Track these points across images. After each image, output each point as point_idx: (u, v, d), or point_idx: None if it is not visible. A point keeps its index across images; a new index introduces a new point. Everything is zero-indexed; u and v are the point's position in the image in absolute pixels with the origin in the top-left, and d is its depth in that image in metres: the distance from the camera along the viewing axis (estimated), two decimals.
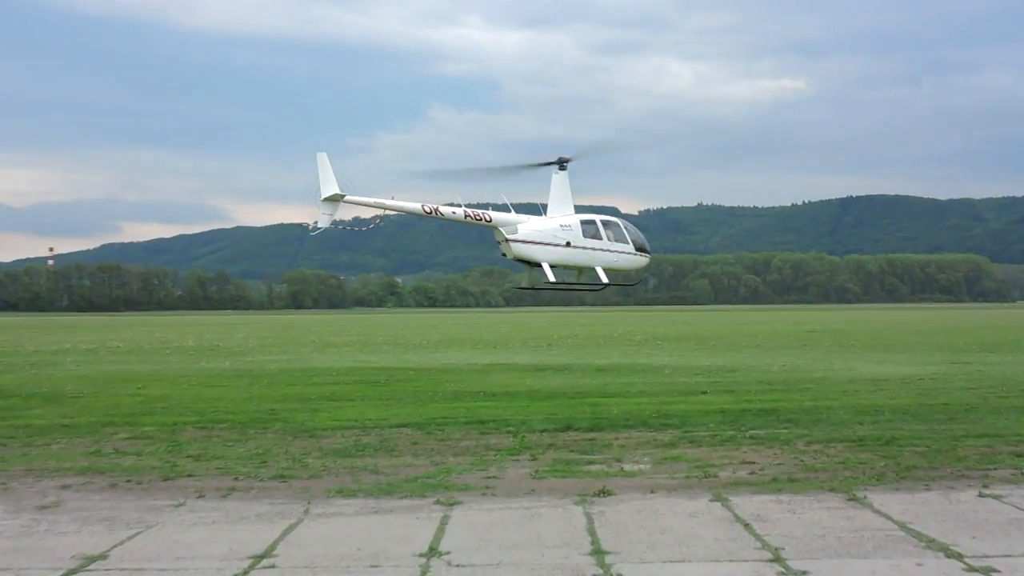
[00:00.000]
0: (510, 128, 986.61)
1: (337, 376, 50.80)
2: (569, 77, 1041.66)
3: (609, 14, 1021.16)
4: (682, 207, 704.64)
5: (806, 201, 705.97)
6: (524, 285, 39.60)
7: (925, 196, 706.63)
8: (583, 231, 33.80)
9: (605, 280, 33.96)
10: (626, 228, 34.88)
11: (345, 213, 31.73)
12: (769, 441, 27.79)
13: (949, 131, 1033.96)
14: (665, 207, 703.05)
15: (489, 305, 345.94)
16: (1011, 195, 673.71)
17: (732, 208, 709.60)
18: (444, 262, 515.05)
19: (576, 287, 34.92)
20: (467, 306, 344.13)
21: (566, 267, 34.19)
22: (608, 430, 29.95)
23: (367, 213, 34.31)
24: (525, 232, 33.06)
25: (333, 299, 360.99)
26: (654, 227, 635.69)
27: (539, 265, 33.22)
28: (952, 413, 33.08)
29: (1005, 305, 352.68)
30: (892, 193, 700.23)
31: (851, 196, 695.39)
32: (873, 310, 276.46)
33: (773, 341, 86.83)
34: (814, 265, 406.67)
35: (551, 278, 33.25)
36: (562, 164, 33.64)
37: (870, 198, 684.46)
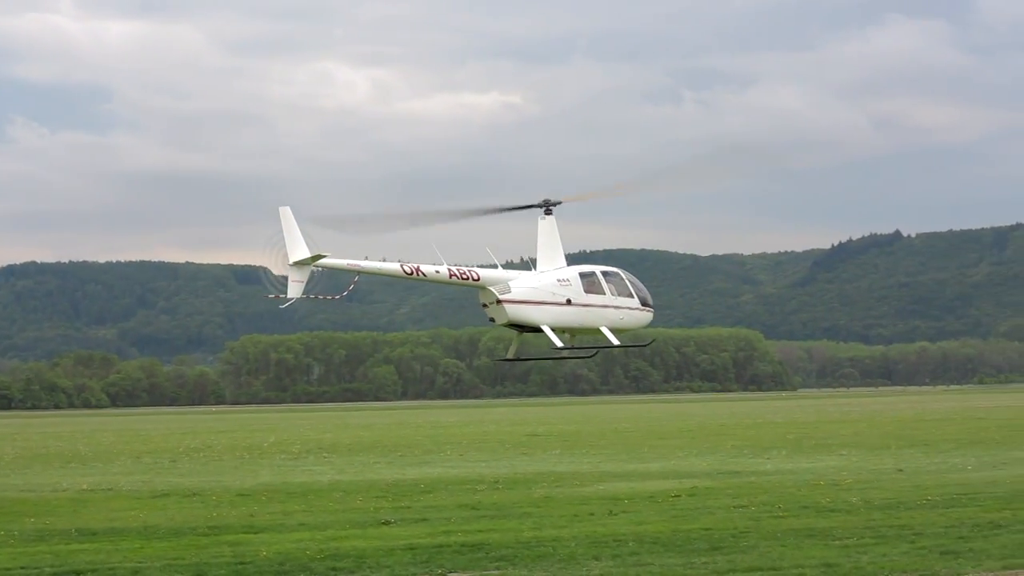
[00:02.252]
0: (127, 154, 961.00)
1: None
2: (206, 85, 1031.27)
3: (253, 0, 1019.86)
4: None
5: (525, 258, 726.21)
6: (508, 356, 42.17)
7: (683, 251, 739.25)
8: (584, 286, 36.75)
9: (616, 341, 37.24)
10: (629, 280, 38.09)
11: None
12: None
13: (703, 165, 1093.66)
14: None
15: (88, 405, 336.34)
16: (789, 249, 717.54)
17: None
18: (23, 344, 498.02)
19: (582, 353, 38.39)
20: (56, 407, 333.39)
21: (567, 330, 36.81)
22: None
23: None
24: (520, 291, 36.10)
25: None
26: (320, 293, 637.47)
27: (537, 329, 35.96)
28: (715, 541, 34.62)
29: (783, 394, 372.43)
30: (638, 247, 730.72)
31: (584, 251, 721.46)
32: (615, 403, 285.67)
33: (481, 448, 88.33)
34: (538, 345, 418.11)
35: (558, 343, 36.12)
36: (548, 207, 36.57)
37: (608, 253, 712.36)
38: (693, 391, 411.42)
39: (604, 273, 38.28)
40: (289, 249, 33.82)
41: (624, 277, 38.65)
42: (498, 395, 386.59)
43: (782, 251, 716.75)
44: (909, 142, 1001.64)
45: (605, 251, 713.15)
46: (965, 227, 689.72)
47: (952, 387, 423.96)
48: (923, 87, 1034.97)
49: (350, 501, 49.11)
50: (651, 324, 40.51)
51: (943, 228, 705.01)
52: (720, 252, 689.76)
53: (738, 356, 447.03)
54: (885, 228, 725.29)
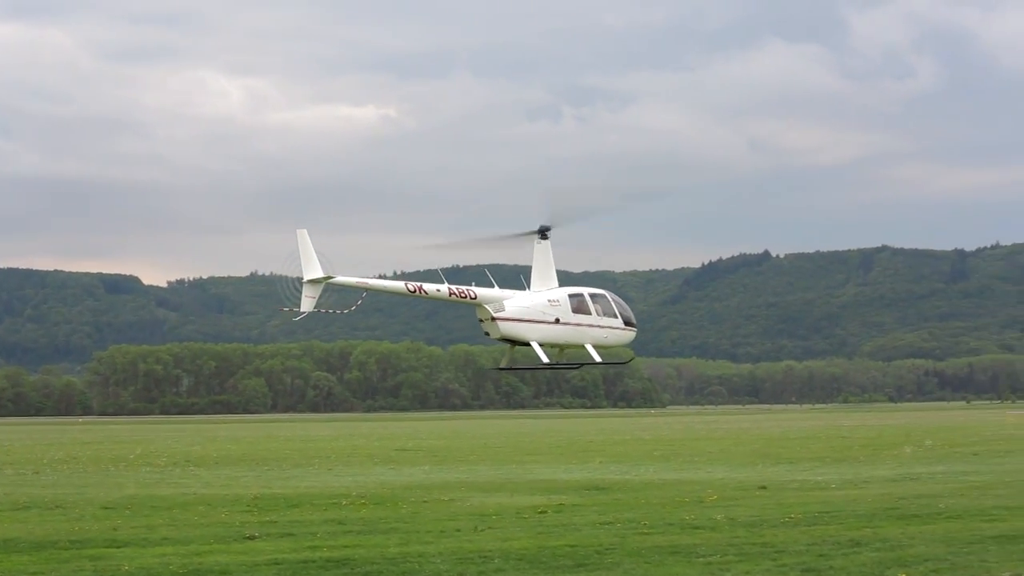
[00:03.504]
0: None
1: None
2: (81, 90, 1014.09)
3: (128, 5, 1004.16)
4: (230, 277, 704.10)
5: (399, 271, 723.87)
6: (503, 365, 45.36)
7: (555, 268, 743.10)
8: (571, 306, 40.70)
9: (598, 359, 40.84)
10: (614, 301, 41.62)
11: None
12: None
13: (592, 183, 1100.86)
14: (206, 276, 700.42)
15: None
16: (660, 267, 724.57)
17: (299, 280, 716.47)
18: None
19: (567, 366, 41.87)
20: None
21: (555, 345, 40.29)
22: None
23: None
24: (513, 310, 39.77)
25: None
26: (191, 303, 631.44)
27: (527, 344, 39.53)
28: (580, 558, 34.73)
29: (652, 411, 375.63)
30: (511, 263, 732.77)
31: (458, 266, 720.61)
32: (485, 418, 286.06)
33: (349, 463, 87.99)
34: (409, 359, 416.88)
35: (544, 359, 39.85)
36: (543, 233, 40.88)
37: (479, 269, 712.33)
38: (563, 407, 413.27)
39: (592, 295, 41.76)
40: (304, 268, 37.44)
41: (610, 298, 42.03)
42: (369, 409, 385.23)
43: (653, 269, 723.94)
44: (782, 164, 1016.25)
45: (477, 267, 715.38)
46: (833, 248, 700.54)
47: (818, 406, 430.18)
48: (798, 110, 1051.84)
49: (215, 515, 48.59)
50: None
51: (811, 249, 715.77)
52: (592, 269, 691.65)
53: (608, 372, 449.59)
54: (754, 248, 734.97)
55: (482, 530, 42.15)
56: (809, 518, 44.41)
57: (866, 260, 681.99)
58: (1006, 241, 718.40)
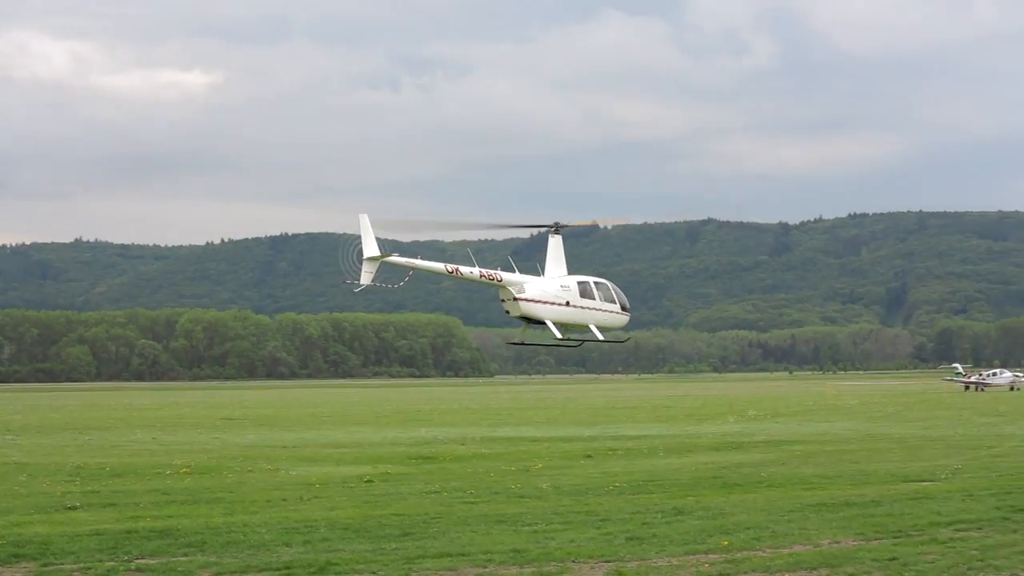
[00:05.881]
0: None
1: None
2: None
3: None
4: (53, 243, 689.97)
5: (227, 239, 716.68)
6: (516, 340, 51.08)
7: (386, 237, 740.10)
8: (579, 291, 46.36)
9: (600, 337, 47.05)
10: (613, 289, 47.68)
11: None
12: (164, 574, 27.75)
13: (431, 153, 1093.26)
14: (29, 243, 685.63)
15: None
16: (489, 238, 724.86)
17: (124, 247, 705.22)
18: None
19: (571, 343, 47.89)
20: None
21: (563, 324, 46.02)
22: None
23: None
24: (532, 292, 45.37)
25: None
26: (13, 269, 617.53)
27: (541, 322, 45.55)
28: (406, 527, 34.75)
29: (480, 380, 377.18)
30: (341, 231, 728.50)
31: (287, 234, 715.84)
32: (313, 387, 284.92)
33: (174, 432, 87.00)
34: (236, 327, 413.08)
35: (558, 335, 45.76)
36: (558, 228, 46.92)
37: (312, 237, 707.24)
38: (392, 376, 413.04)
39: (595, 283, 47.43)
40: (364, 247, 42.18)
41: (610, 287, 47.89)
42: (195, 378, 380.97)
43: (483, 239, 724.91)
44: (614, 136, 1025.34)
45: (307, 233, 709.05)
46: (660, 220, 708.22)
47: (644, 375, 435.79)
48: (634, 83, 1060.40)
49: (36, 485, 47.71)
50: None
51: (639, 221, 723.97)
52: (422, 239, 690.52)
53: (436, 342, 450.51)
54: (584, 219, 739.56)
55: (308, 500, 42.02)
56: (634, 486, 44.98)
57: (692, 233, 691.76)
58: (828, 215, 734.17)
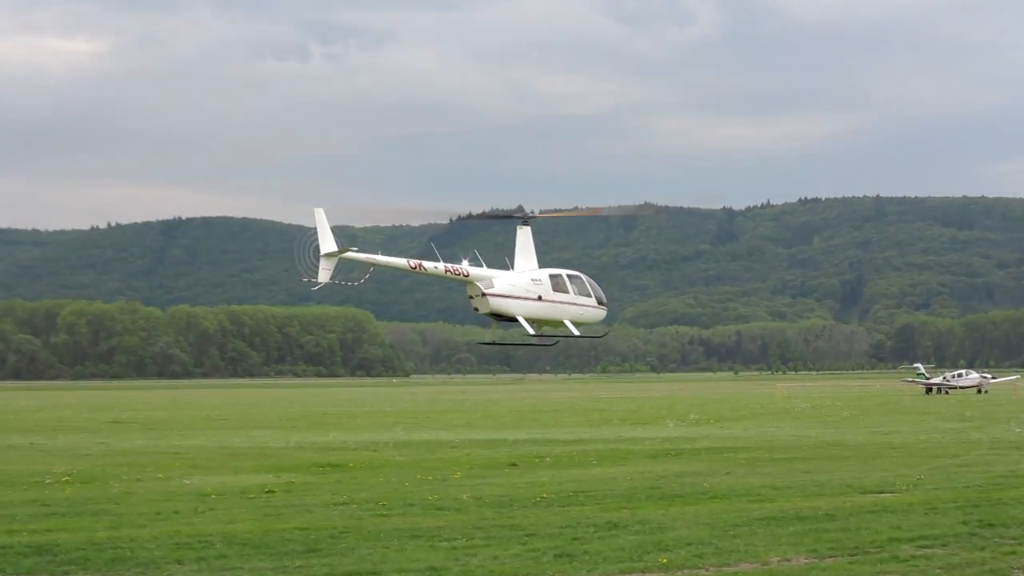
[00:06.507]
0: None
1: None
2: None
3: None
4: None
5: (114, 223, 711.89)
6: (486, 341, 52.81)
7: (288, 222, 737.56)
8: (552, 285, 47.31)
9: (576, 332, 48.01)
10: (588, 282, 48.57)
11: None
12: None
13: (343, 130, 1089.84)
14: None
15: None
16: (405, 223, 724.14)
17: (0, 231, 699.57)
18: None
19: (547, 341, 49.74)
20: None
21: (535, 320, 47.10)
22: None
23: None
24: (501, 287, 46.00)
25: None
26: None
27: (512, 319, 46.47)
28: (312, 542, 34.57)
29: (394, 380, 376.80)
30: (239, 215, 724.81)
31: (181, 218, 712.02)
32: (209, 387, 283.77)
33: (54, 437, 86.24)
34: (123, 321, 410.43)
35: (531, 331, 46.97)
36: (526, 219, 47.76)
37: (208, 222, 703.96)
38: (296, 375, 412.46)
39: (568, 276, 48.29)
40: (321, 243, 43.29)
41: (584, 280, 48.70)
42: (78, 376, 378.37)
43: (398, 225, 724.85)
44: (542, 112, 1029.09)
45: (202, 218, 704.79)
46: (592, 204, 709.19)
47: (574, 375, 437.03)
48: (566, 55, 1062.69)
49: None
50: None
51: (569, 205, 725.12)
52: (330, 223, 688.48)
53: (346, 338, 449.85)
54: (509, 203, 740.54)
55: (202, 512, 41.73)
56: (563, 498, 44.96)
57: (627, 219, 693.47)
58: (777, 200, 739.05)
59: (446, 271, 46.03)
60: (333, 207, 44.50)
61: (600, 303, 48.98)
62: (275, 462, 63.63)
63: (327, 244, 43.40)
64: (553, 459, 63.89)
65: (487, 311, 46.50)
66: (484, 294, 46.03)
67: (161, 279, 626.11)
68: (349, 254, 44.00)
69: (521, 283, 46.64)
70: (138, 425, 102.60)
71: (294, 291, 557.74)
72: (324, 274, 43.52)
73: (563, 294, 47.55)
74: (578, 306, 47.82)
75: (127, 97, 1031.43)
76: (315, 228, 43.78)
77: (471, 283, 46.38)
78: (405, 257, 46.25)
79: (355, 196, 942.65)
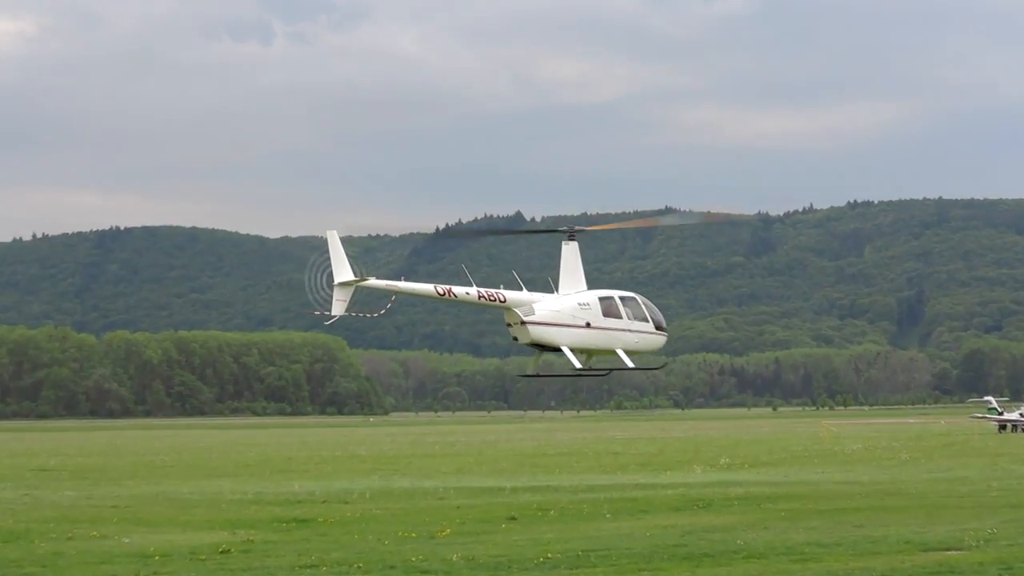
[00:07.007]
0: None
1: None
2: None
3: None
4: None
5: (41, 234, 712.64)
6: (529, 372, 53.05)
7: (246, 231, 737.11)
8: (602, 309, 47.85)
9: (631, 364, 48.39)
10: (644, 304, 49.37)
11: None
12: None
13: (310, 123, 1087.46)
14: None
15: None
16: (383, 233, 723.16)
17: None
18: None
19: (595, 372, 50.94)
20: None
21: (584, 350, 47.87)
22: None
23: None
24: (543, 313, 46.57)
25: None
26: None
27: (557, 349, 46.95)
28: None
29: (371, 419, 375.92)
30: (188, 225, 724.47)
31: (119, 228, 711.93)
32: (153, 428, 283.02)
33: None
34: (52, 350, 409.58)
35: (577, 364, 47.39)
36: (572, 234, 48.06)
37: (151, 231, 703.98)
38: (256, 414, 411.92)
39: (622, 298, 49.11)
40: (335, 270, 43.93)
41: (640, 302, 49.48)
42: None
43: (374, 235, 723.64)
44: (547, 103, 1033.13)
45: (144, 227, 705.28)
46: (604, 211, 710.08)
47: (583, 413, 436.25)
48: (575, 36, 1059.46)
49: None
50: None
51: (576, 211, 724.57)
52: (294, 234, 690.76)
53: (314, 369, 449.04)
54: (504, 209, 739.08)
55: None
56: (570, 559, 44.86)
57: (645, 228, 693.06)
58: (821, 204, 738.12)
59: (479, 297, 46.48)
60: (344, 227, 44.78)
61: (659, 328, 49.61)
62: (230, 516, 63.52)
63: (342, 272, 43.86)
64: (559, 511, 63.78)
65: (527, 341, 46.92)
66: (524, 322, 46.39)
67: (96, 300, 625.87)
68: (369, 282, 44.63)
69: (567, 308, 47.07)
70: (69, 473, 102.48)
71: (252, 314, 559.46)
72: (339, 306, 44.07)
73: (615, 319, 47.98)
74: (633, 332, 48.35)
75: (56, 86, 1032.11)
76: (327, 253, 44.19)
77: (509, 310, 46.71)
78: (432, 283, 47.03)
79: (326, 201, 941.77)
